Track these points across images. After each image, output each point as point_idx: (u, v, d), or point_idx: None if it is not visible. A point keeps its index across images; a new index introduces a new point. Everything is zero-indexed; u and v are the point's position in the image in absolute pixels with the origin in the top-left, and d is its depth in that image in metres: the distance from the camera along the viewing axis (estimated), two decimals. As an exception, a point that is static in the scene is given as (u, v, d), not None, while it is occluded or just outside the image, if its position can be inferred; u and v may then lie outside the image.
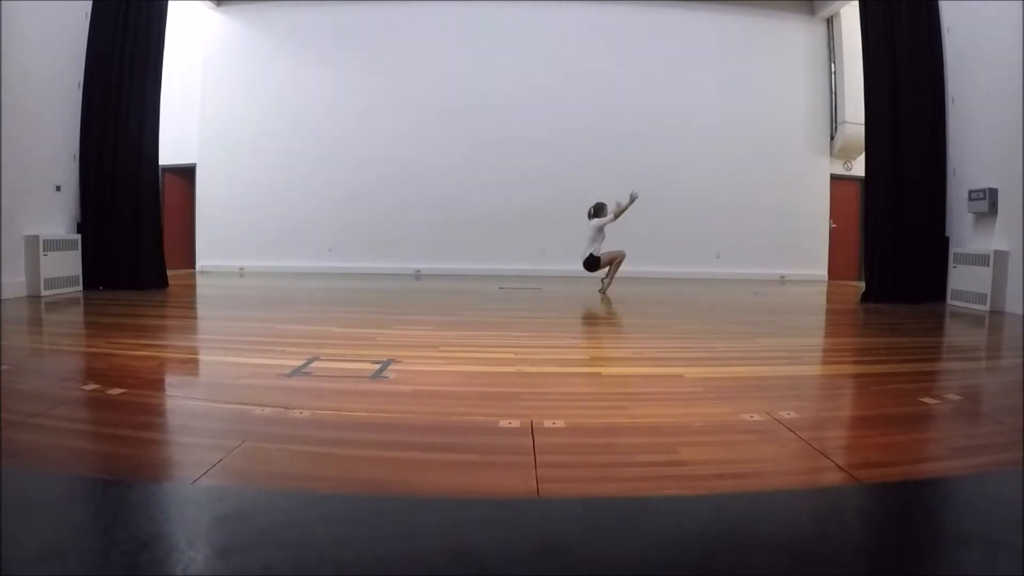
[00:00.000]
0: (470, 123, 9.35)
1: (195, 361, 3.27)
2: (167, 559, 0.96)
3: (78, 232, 6.19)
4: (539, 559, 0.96)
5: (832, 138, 9.56)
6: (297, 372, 2.72)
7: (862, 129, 6.68)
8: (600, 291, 6.63)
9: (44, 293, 5.56)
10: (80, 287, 6.08)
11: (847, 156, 9.54)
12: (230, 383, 2.64)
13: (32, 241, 5.54)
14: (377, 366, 2.84)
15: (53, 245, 5.74)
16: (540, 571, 0.93)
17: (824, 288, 8.30)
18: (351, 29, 9.48)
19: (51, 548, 0.96)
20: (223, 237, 9.52)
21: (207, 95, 9.49)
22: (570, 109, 9.31)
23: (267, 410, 2.11)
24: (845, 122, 9.26)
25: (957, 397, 2.48)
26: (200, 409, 2.23)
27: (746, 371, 3.03)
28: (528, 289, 6.84)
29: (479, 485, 1.55)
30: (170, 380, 2.77)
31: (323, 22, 9.48)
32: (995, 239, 5.53)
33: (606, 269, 6.65)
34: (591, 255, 6.52)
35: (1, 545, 0.94)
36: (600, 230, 6.50)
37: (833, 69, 9.55)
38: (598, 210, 6.60)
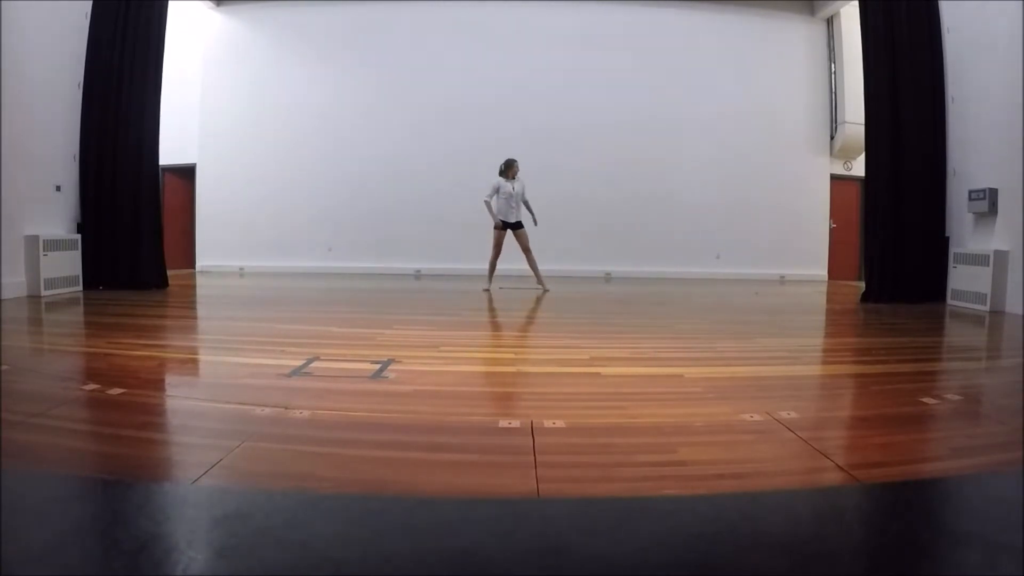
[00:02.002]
0: (470, 123, 9.34)
1: (195, 361, 3.26)
2: (167, 559, 0.96)
3: (78, 232, 6.19)
4: (539, 559, 0.96)
5: (832, 138, 9.56)
6: (297, 372, 2.72)
7: (862, 129, 6.67)
8: (486, 288, 6.72)
9: (44, 293, 5.56)
10: (80, 287, 6.08)
11: (847, 156, 9.54)
12: (230, 383, 2.64)
13: (32, 241, 5.54)
14: (377, 366, 2.84)
15: (53, 245, 5.74)
16: (540, 571, 0.93)
17: (824, 288, 8.30)
18: (351, 29, 9.48)
19: (51, 548, 0.96)
20: (223, 237, 9.52)
21: (207, 95, 9.49)
22: (569, 110, 9.30)
23: (267, 410, 2.11)
24: (845, 122, 9.26)
25: (957, 397, 2.48)
26: (200, 409, 2.23)
27: (746, 371, 3.03)
28: (528, 289, 6.84)
29: (479, 485, 1.55)
30: (170, 380, 2.76)
31: (323, 22, 9.48)
32: (995, 239, 5.53)
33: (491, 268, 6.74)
34: (521, 219, 6.55)
35: (1, 545, 0.94)
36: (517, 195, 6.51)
37: (833, 69, 9.55)
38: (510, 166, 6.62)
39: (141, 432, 1.94)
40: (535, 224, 6.60)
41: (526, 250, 6.66)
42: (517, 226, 6.60)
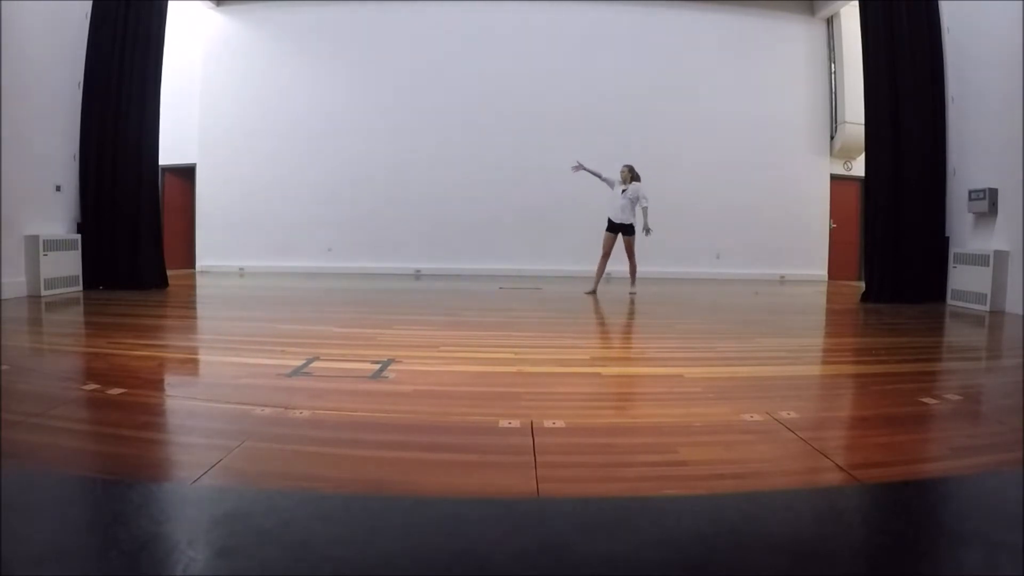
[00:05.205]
0: (470, 123, 9.35)
1: (195, 361, 3.26)
2: (167, 559, 0.96)
3: (78, 232, 6.18)
4: (539, 559, 0.96)
5: (832, 138, 9.56)
6: (297, 372, 2.72)
7: (862, 129, 6.67)
8: (631, 293, 6.61)
9: (44, 293, 5.56)
10: (80, 287, 6.07)
11: (847, 156, 9.54)
12: (230, 383, 2.64)
13: (32, 241, 5.54)
14: (377, 366, 2.84)
15: (53, 245, 5.74)
16: (540, 571, 0.93)
17: (824, 288, 8.30)
18: (351, 29, 9.48)
19: (51, 548, 0.96)
20: (223, 237, 9.52)
21: (207, 95, 9.49)
22: (569, 109, 9.30)
23: (267, 410, 2.11)
24: (845, 122, 9.26)
25: (957, 397, 2.48)
26: (200, 409, 2.23)
27: (746, 371, 3.03)
28: (528, 289, 6.84)
29: (479, 485, 1.55)
30: (170, 380, 2.76)
31: (323, 22, 9.48)
32: (995, 239, 5.53)
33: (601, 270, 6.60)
34: (632, 223, 6.48)
35: (1, 545, 0.94)
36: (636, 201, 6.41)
37: (833, 69, 9.55)
38: (635, 175, 6.53)
39: (141, 432, 1.94)
40: (645, 233, 6.43)
41: (629, 254, 6.63)
42: (624, 230, 6.54)
